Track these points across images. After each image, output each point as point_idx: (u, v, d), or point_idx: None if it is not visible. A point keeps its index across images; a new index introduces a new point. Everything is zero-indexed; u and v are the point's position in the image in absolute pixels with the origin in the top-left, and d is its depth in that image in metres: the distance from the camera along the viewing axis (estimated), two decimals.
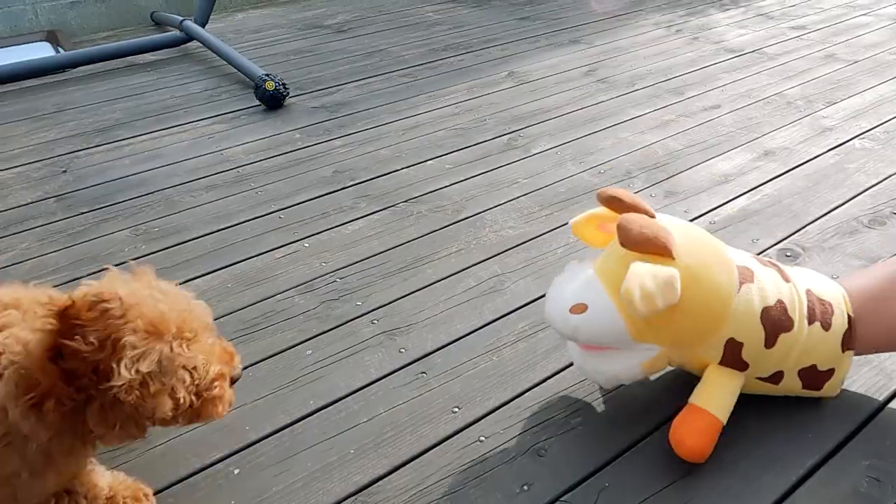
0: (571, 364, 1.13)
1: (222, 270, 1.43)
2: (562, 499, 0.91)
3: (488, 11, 3.36)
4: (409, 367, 1.15)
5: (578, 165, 1.81)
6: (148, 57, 2.85)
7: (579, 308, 0.92)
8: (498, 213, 1.61)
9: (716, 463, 0.95)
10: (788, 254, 1.40)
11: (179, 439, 1.02)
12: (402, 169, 1.83)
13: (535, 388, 1.09)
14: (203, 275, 1.41)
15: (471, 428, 1.03)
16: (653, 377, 1.08)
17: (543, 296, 1.31)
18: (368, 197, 1.70)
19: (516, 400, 1.07)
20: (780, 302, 0.93)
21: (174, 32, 2.94)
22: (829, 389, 1.00)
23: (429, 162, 1.87)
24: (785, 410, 1.02)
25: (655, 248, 0.88)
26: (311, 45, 2.95)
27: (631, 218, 0.89)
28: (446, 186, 1.73)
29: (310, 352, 1.19)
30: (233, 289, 1.36)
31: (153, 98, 2.42)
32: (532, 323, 1.24)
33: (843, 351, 0.96)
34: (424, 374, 1.13)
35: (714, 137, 1.94)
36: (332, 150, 1.97)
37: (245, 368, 1.16)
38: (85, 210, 1.69)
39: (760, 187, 1.67)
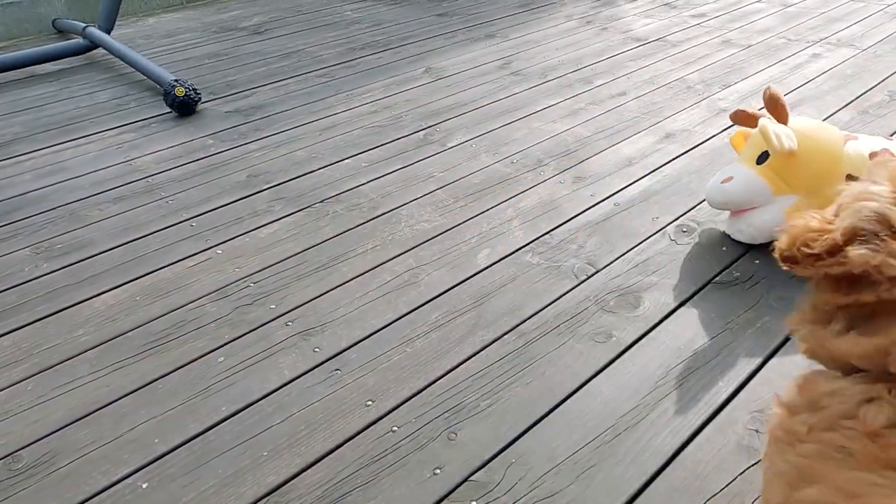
0: (483, 349, 1.17)
1: (130, 283, 1.39)
2: (470, 478, 0.94)
3: (406, 8, 3.37)
4: (324, 365, 1.16)
5: (492, 156, 1.86)
6: (49, 67, 2.72)
7: (727, 179, 1.33)
8: (413, 207, 1.63)
9: (613, 430, 1.01)
10: (685, 229, 1.49)
11: (85, 458, 1.00)
12: (319, 169, 1.83)
13: (448, 375, 1.12)
14: (110, 289, 1.37)
15: (384, 419, 1.05)
16: None
17: (457, 286, 1.35)
18: (284, 199, 1.69)
19: (429, 388, 1.10)
20: (884, 149, 1.25)
21: (77, 40, 2.81)
22: None
23: (345, 161, 1.87)
24: (678, 376, 1.09)
25: (775, 111, 1.31)
26: (225, 49, 2.89)
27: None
28: (362, 184, 1.74)
29: (222, 359, 1.18)
30: (141, 301, 1.33)
31: (56, 109, 2.31)
32: (445, 312, 1.27)
33: None
34: (339, 371, 1.14)
35: (620, 123, 2.03)
36: (247, 154, 1.94)
37: (155, 381, 1.14)
38: None
39: (661, 168, 1.76)
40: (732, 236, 1.41)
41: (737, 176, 1.32)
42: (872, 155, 1.27)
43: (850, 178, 1.17)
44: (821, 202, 1.17)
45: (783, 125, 1.29)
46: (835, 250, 0.49)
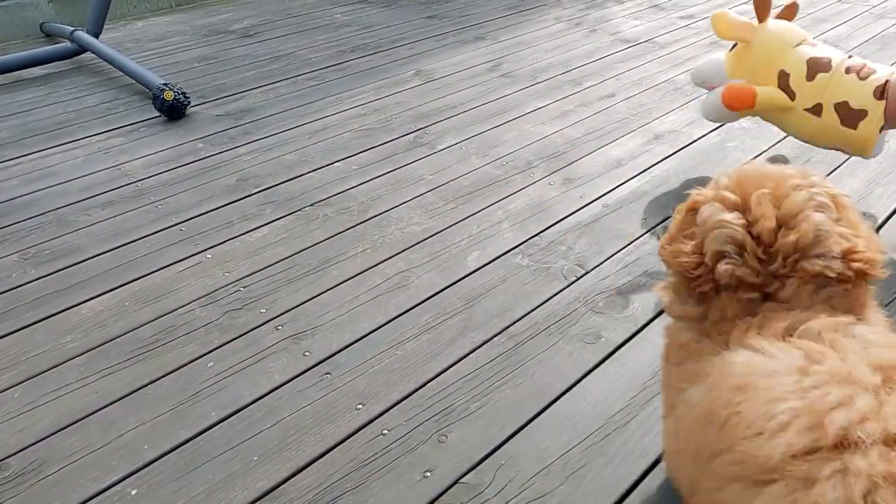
0: (473, 351, 1.18)
1: (119, 289, 1.38)
2: (461, 480, 0.95)
3: (397, 11, 3.37)
4: (314, 369, 1.16)
5: (482, 159, 1.86)
6: (37, 71, 2.70)
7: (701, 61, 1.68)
8: (404, 210, 1.63)
9: (603, 431, 1.01)
10: None
11: (73, 465, 0.99)
12: (309, 173, 1.83)
13: (438, 378, 1.13)
14: (98, 295, 1.36)
15: (374, 422, 1.05)
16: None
17: (447, 288, 1.35)
18: (274, 203, 1.69)
19: (419, 391, 1.10)
20: (826, 57, 1.41)
21: (65, 44, 2.79)
22: (864, 130, 1.36)
23: (335, 164, 1.87)
24: None
25: (760, 7, 1.50)
26: (215, 52, 2.88)
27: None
28: (353, 187, 1.74)
29: (211, 364, 1.17)
30: (130, 307, 1.32)
31: (44, 114, 2.30)
32: (435, 315, 1.27)
33: (878, 99, 1.33)
34: (329, 375, 1.14)
35: (609, 124, 2.04)
36: (237, 157, 1.93)
37: (144, 387, 1.14)
38: None
39: (650, 169, 1.77)
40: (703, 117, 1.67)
41: (706, 58, 1.65)
42: (811, 60, 1.41)
43: (782, 72, 1.45)
44: (757, 83, 1.49)
45: (740, 21, 1.52)
46: (708, 271, 0.69)
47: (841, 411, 0.51)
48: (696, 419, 0.64)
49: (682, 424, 0.68)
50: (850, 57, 1.42)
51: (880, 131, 1.36)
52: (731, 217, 0.68)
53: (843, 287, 0.66)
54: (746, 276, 0.66)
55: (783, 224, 0.67)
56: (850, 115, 1.36)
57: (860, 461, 0.48)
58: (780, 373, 0.57)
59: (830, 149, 1.52)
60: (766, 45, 1.48)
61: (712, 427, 0.59)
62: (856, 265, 0.65)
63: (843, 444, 0.49)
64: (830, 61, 1.40)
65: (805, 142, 1.55)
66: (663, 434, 0.78)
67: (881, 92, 1.33)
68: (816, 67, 1.40)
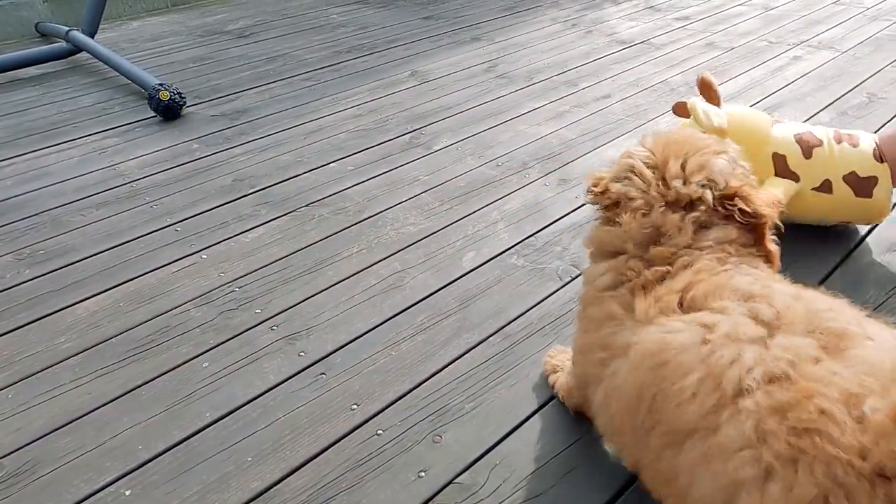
0: (468, 351, 1.18)
1: (114, 289, 1.38)
2: (455, 481, 0.95)
3: (393, 12, 3.38)
4: (309, 369, 1.16)
5: (478, 159, 1.87)
6: (32, 71, 2.69)
7: None
8: (399, 210, 1.63)
9: (594, 434, 1.01)
10: None
11: (67, 466, 0.99)
12: (304, 173, 1.83)
13: (433, 378, 1.13)
14: (93, 295, 1.36)
15: (369, 423, 1.05)
16: None
17: (442, 288, 1.36)
18: (269, 203, 1.68)
19: (414, 391, 1.10)
20: (808, 132, 1.34)
21: (60, 43, 2.79)
22: (879, 196, 1.30)
23: (331, 165, 1.87)
24: None
25: (707, 96, 1.35)
26: (210, 52, 2.88)
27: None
28: (348, 188, 1.74)
29: (206, 364, 1.17)
30: (125, 307, 1.32)
31: (39, 114, 2.29)
32: (430, 315, 1.27)
33: (879, 162, 1.29)
34: (324, 375, 1.14)
35: (605, 126, 2.05)
36: (232, 158, 1.93)
37: (138, 387, 1.14)
38: None
39: None
40: None
41: None
42: (798, 138, 1.35)
43: (776, 155, 1.35)
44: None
45: (714, 106, 1.35)
46: (606, 188, 0.82)
47: (733, 368, 0.60)
48: (628, 399, 0.70)
49: (613, 403, 0.73)
50: (815, 126, 1.39)
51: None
52: (642, 153, 0.80)
53: (732, 232, 0.74)
54: (629, 191, 0.77)
55: (682, 163, 0.77)
56: (861, 185, 1.30)
57: (749, 402, 0.58)
58: (687, 346, 0.65)
59: (837, 223, 1.40)
60: (743, 131, 1.31)
61: (643, 406, 0.67)
62: (734, 205, 0.74)
63: (740, 394, 0.59)
64: (814, 134, 1.34)
65: (810, 223, 1.39)
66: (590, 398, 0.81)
67: (879, 155, 1.30)
68: (808, 144, 1.32)
